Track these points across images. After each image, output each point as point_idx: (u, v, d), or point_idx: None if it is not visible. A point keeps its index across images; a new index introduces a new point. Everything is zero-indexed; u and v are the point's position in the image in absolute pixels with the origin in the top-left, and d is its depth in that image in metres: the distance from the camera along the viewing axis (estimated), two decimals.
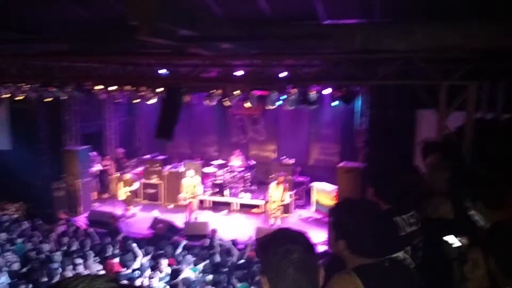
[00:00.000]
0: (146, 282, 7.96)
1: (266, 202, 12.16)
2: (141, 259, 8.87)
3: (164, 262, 8.50)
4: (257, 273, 7.77)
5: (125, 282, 6.28)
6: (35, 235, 10.18)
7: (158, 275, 8.06)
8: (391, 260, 2.29)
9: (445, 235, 3.15)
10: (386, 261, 2.18)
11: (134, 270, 8.48)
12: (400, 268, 2.22)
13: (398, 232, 2.76)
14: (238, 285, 7.62)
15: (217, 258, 8.87)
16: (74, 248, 9.47)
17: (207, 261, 8.73)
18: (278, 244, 1.56)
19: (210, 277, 8.05)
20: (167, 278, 8.11)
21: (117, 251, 9.23)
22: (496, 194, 2.96)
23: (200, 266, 8.56)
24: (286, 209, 12.22)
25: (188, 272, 8.27)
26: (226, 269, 8.33)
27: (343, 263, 2.18)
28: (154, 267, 8.36)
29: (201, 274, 8.29)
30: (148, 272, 8.27)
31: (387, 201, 2.85)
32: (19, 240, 9.74)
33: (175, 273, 8.13)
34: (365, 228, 2.10)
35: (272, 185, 11.70)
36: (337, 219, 2.25)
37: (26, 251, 9.26)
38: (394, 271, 2.11)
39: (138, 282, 7.93)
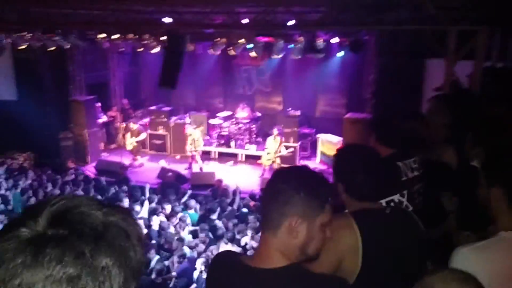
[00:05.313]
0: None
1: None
2: (146, 206, 9.05)
3: (167, 208, 8.68)
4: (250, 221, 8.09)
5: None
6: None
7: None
8: (393, 207, 2.29)
9: (445, 181, 3.13)
10: (388, 208, 2.18)
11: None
12: (401, 215, 2.21)
13: (400, 177, 2.73)
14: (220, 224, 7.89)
15: (215, 205, 9.05)
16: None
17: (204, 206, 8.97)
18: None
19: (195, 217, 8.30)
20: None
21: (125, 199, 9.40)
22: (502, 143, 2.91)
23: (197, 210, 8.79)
24: (290, 160, 12.29)
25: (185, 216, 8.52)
26: (215, 216, 8.56)
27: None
28: (154, 212, 8.56)
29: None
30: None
31: (389, 146, 2.81)
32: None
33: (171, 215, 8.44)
34: (361, 172, 2.09)
35: (270, 138, 11.70)
36: (336, 163, 2.27)
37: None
38: (395, 218, 2.11)
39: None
